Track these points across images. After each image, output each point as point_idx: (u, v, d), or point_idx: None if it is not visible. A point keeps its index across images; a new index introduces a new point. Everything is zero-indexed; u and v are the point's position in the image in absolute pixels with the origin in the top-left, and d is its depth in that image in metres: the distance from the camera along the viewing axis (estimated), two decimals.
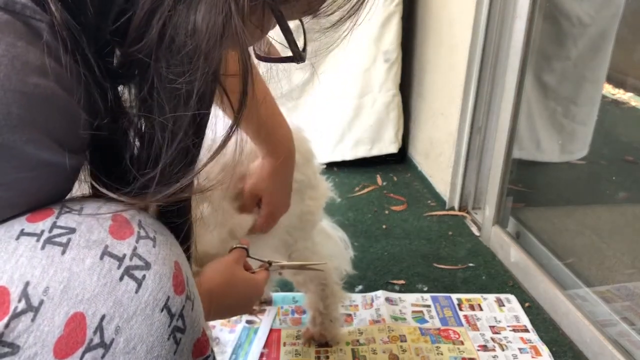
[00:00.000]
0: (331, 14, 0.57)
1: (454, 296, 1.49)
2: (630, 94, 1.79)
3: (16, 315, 0.42)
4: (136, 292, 0.46)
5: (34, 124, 0.44)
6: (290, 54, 0.59)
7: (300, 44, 0.60)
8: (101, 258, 0.46)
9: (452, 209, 2.00)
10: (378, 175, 2.31)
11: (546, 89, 1.87)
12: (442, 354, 1.27)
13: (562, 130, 1.93)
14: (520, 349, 1.29)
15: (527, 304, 1.46)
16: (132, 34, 0.48)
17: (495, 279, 1.59)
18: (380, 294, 1.48)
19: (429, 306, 1.45)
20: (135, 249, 0.47)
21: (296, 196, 1.07)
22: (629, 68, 1.81)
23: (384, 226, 1.88)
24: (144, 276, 0.47)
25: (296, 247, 1.16)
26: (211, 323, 1.34)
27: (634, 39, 1.72)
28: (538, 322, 1.40)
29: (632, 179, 1.70)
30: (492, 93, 1.83)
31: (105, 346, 0.44)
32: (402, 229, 1.87)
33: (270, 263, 0.96)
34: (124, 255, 0.47)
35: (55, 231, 0.46)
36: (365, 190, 2.18)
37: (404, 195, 2.13)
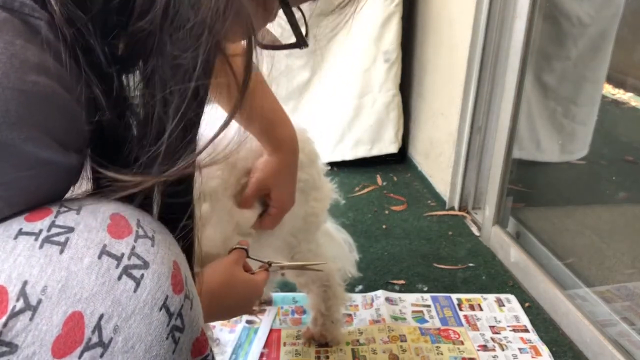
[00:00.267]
0: None
1: (454, 296, 1.49)
2: (630, 94, 1.79)
3: (14, 314, 0.42)
4: (134, 291, 0.46)
5: (33, 122, 0.44)
6: (290, 44, 0.60)
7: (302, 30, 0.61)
8: (99, 257, 0.46)
9: (452, 209, 2.00)
10: (378, 175, 2.31)
11: (546, 89, 1.87)
12: (442, 354, 1.27)
13: (562, 130, 1.93)
14: (520, 349, 1.29)
15: (527, 304, 1.46)
16: (137, 9, 0.48)
17: (495, 279, 1.59)
18: (380, 293, 1.48)
19: (429, 306, 1.45)
20: (133, 248, 0.47)
21: (300, 197, 1.07)
22: (629, 68, 1.81)
23: (384, 226, 1.88)
24: (142, 275, 0.46)
25: (300, 249, 1.16)
26: (211, 323, 1.34)
27: (634, 39, 1.72)
28: (538, 322, 1.40)
29: (632, 179, 1.70)
30: (492, 93, 1.83)
31: (104, 345, 0.44)
32: (402, 229, 1.87)
33: (270, 264, 0.96)
34: (122, 255, 0.46)
35: (54, 230, 0.46)
36: (365, 190, 2.18)
37: (404, 195, 2.13)
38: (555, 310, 1.41)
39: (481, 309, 1.44)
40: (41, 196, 0.49)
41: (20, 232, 0.45)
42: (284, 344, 1.30)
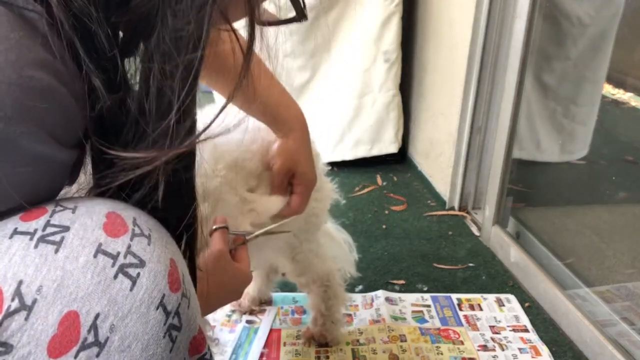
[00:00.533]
0: None
1: (454, 296, 1.49)
2: (630, 94, 1.79)
3: (9, 314, 0.42)
4: (131, 290, 0.46)
5: (29, 116, 0.44)
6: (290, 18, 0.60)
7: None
8: (95, 256, 0.45)
9: (452, 209, 2.00)
10: (378, 175, 2.31)
11: (546, 89, 1.87)
12: (442, 354, 1.27)
13: (562, 130, 1.92)
14: (520, 349, 1.29)
15: (527, 304, 1.46)
16: None
17: (495, 279, 1.59)
18: (380, 293, 1.48)
19: (429, 306, 1.45)
20: (129, 246, 0.47)
21: None
22: (629, 68, 1.81)
23: (384, 226, 1.88)
24: (138, 274, 0.46)
25: (301, 249, 1.16)
26: (212, 323, 1.34)
27: (634, 39, 1.72)
28: (538, 322, 1.40)
29: (632, 179, 1.70)
30: (492, 93, 1.83)
31: (100, 345, 0.44)
32: (402, 229, 1.87)
33: (245, 236, 0.93)
34: (118, 253, 0.46)
35: (49, 229, 0.46)
36: (365, 190, 2.18)
37: (404, 195, 2.13)
38: (555, 310, 1.41)
39: (481, 309, 1.44)
40: (36, 193, 0.48)
41: (16, 232, 0.45)
42: (284, 344, 1.30)
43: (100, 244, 0.46)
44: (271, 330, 1.35)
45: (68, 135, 0.48)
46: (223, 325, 1.36)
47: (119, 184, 0.51)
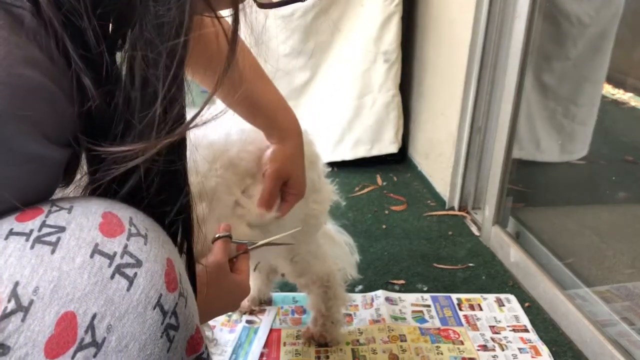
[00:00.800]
0: None
1: (454, 296, 1.49)
2: (630, 94, 1.79)
3: (6, 315, 0.42)
4: (127, 290, 0.45)
5: (20, 116, 0.43)
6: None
7: None
8: (91, 256, 0.45)
9: (452, 209, 2.00)
10: (378, 175, 2.31)
11: (546, 89, 1.87)
12: (442, 354, 1.27)
13: (562, 130, 1.92)
14: (520, 349, 1.29)
15: (527, 304, 1.46)
16: None
17: (495, 279, 1.59)
18: (380, 293, 1.48)
19: (429, 306, 1.45)
20: (126, 246, 0.47)
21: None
22: (629, 68, 1.81)
23: (384, 226, 1.88)
24: (135, 274, 0.46)
25: (299, 251, 1.16)
26: (211, 323, 1.33)
27: (634, 39, 1.72)
28: (538, 322, 1.40)
29: (632, 179, 1.70)
30: (492, 93, 1.83)
31: (97, 345, 0.44)
32: (402, 229, 1.87)
33: (248, 246, 0.93)
34: (115, 253, 0.46)
35: (45, 230, 0.45)
36: (365, 190, 2.18)
37: (404, 195, 2.13)
38: (555, 310, 1.41)
39: (481, 309, 1.44)
40: (30, 192, 0.48)
41: (11, 233, 0.45)
42: (284, 344, 1.30)
43: (96, 244, 0.46)
44: (271, 330, 1.35)
45: (59, 134, 0.48)
46: (223, 325, 1.36)
47: (112, 177, 0.50)
